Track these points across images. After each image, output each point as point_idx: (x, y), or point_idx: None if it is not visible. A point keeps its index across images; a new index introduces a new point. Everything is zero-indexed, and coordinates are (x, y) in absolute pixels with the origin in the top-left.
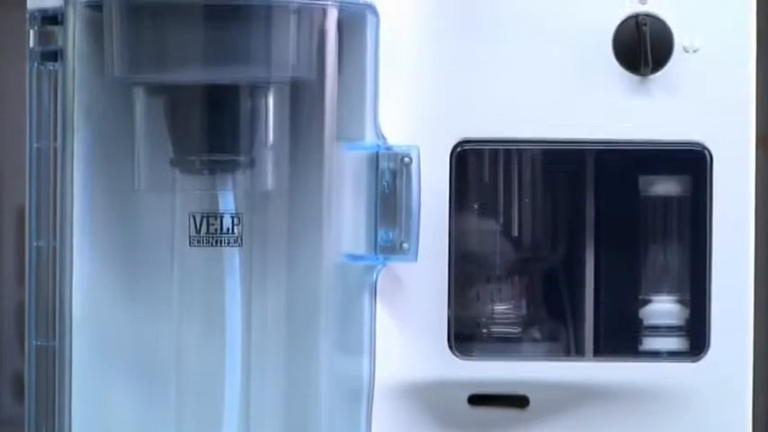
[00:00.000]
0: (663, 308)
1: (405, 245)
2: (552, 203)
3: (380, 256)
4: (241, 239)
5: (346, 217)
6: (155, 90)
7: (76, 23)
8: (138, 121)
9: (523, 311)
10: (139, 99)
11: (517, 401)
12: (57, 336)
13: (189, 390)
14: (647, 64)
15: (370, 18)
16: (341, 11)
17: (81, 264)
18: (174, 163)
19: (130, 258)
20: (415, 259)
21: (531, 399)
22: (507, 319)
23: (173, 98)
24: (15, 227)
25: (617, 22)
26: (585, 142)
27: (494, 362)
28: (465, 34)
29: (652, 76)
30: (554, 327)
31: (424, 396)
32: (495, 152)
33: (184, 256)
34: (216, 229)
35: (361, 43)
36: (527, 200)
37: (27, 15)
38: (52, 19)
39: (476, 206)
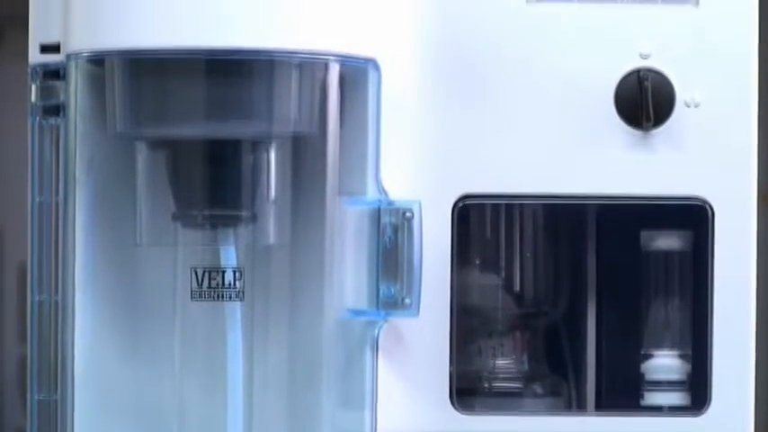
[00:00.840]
0: (664, 362)
1: (406, 300)
2: (554, 258)
3: (382, 311)
4: (243, 294)
5: (348, 272)
6: (156, 145)
7: (78, 78)
8: (139, 176)
9: (525, 366)
10: (141, 154)
11: None
12: (59, 390)
13: None
14: (648, 119)
15: (371, 73)
16: (343, 66)
17: (83, 318)
18: (175, 217)
19: (132, 312)
20: (417, 314)
21: None
22: (509, 373)
23: (174, 153)
24: (17, 283)
25: (619, 77)
26: (587, 197)
27: (495, 417)
28: (466, 89)
29: (654, 131)
30: (556, 381)
31: None
32: (496, 207)
33: (186, 310)
34: (218, 284)
35: (362, 98)
36: (528, 255)
37: (29, 70)
38: (54, 74)
39: (477, 261)
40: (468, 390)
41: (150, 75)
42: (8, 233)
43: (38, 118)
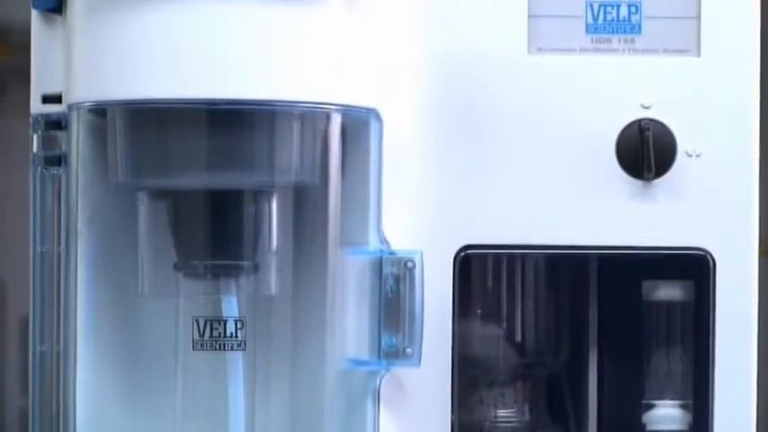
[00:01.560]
0: (666, 413)
1: (408, 350)
2: (555, 308)
3: (384, 361)
4: (245, 344)
5: (350, 322)
6: (158, 195)
7: (80, 129)
8: (141, 226)
9: (527, 417)
10: (143, 204)
11: None
12: None
13: None
14: (649, 169)
15: (373, 123)
16: (344, 116)
17: (84, 368)
18: (177, 267)
19: (134, 363)
20: (419, 364)
21: None
22: (511, 424)
23: (176, 203)
24: (19, 336)
25: (620, 127)
26: (588, 248)
27: None
28: (468, 139)
29: (655, 181)
30: None
31: None
32: (498, 257)
33: (188, 360)
34: (219, 334)
35: (364, 148)
36: (530, 305)
37: (30, 120)
38: (56, 124)
39: (479, 311)
40: None
41: (152, 125)
42: (10, 286)
43: (39, 168)
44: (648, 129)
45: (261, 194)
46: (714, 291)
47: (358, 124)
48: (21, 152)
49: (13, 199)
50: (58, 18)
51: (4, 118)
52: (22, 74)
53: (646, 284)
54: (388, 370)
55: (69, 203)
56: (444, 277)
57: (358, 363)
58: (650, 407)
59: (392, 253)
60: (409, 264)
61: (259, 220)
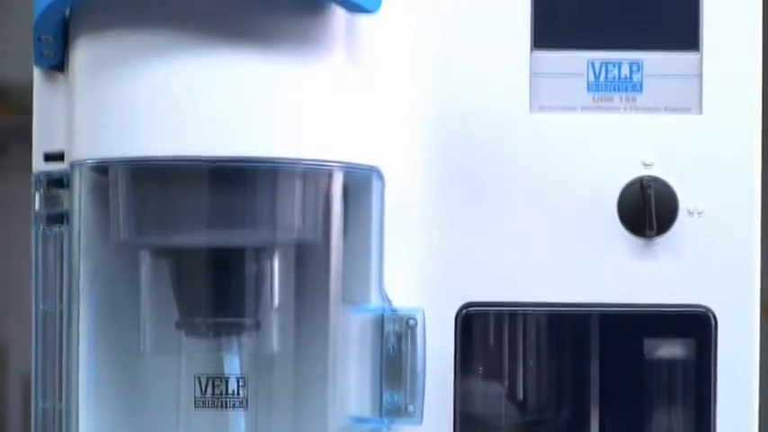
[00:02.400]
0: None
1: (410, 407)
2: (557, 366)
3: (386, 419)
4: (246, 402)
5: (351, 379)
6: (160, 253)
7: (82, 187)
8: (143, 284)
9: None
10: (145, 262)
11: None
12: None
13: None
14: (651, 227)
15: (375, 182)
16: (346, 174)
17: (86, 426)
18: (179, 326)
19: (136, 420)
20: (420, 422)
21: None
22: None
23: (178, 261)
24: (20, 396)
25: (622, 185)
26: (590, 305)
27: None
28: (469, 197)
29: (657, 239)
30: None
31: None
32: (499, 315)
33: (190, 418)
34: (221, 392)
35: (366, 206)
36: (532, 363)
37: (32, 178)
38: (58, 182)
39: (480, 369)
40: None
41: (154, 183)
42: (11, 345)
43: (41, 226)
44: (650, 187)
45: (263, 252)
46: (716, 349)
47: (360, 182)
48: (22, 212)
49: (15, 259)
50: (59, 76)
51: (6, 177)
52: (23, 133)
53: (647, 342)
54: (389, 428)
55: (71, 261)
56: (446, 335)
57: (360, 420)
58: None
59: (394, 310)
60: (411, 321)
61: (261, 277)
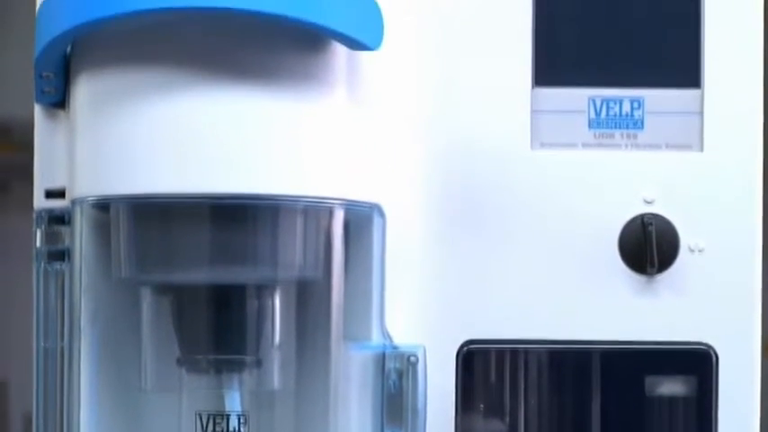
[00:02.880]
0: None
1: None
2: (558, 403)
3: None
4: None
5: (353, 416)
6: (161, 290)
7: (83, 224)
8: (144, 321)
9: None
10: (146, 299)
11: None
12: None
13: None
14: (652, 264)
15: (376, 219)
16: (348, 211)
17: None
18: (180, 362)
19: None
20: None
21: None
22: None
23: (179, 298)
24: None
25: (623, 222)
26: (591, 343)
27: None
28: (470, 234)
29: (658, 276)
30: None
31: None
32: (501, 352)
33: None
34: (222, 429)
35: (367, 243)
36: (533, 400)
37: (34, 215)
38: (59, 219)
39: (482, 406)
40: None
41: (155, 220)
42: (13, 383)
43: (42, 263)
44: (651, 224)
45: (264, 289)
46: (717, 386)
47: (361, 219)
48: (23, 249)
49: (16, 296)
50: (61, 113)
51: (7, 215)
52: (24, 171)
53: (648, 380)
54: None
55: (72, 298)
56: (447, 372)
57: None
58: None
59: (395, 347)
60: (412, 358)
61: (262, 314)
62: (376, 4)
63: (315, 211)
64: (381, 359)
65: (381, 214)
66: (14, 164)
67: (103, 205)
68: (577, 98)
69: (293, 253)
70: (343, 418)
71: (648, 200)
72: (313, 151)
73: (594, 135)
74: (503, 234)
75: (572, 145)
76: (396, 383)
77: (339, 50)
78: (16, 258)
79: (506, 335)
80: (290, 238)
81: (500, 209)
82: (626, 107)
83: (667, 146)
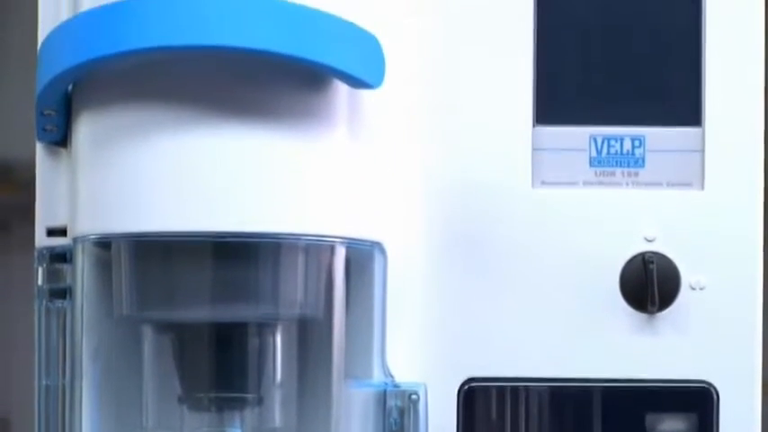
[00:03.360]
0: None
1: None
2: None
3: None
4: None
5: None
6: (163, 328)
7: (85, 261)
8: (146, 359)
9: None
10: (147, 337)
11: None
12: None
13: None
14: (653, 302)
15: (377, 256)
16: (349, 249)
17: None
18: (181, 400)
19: None
20: None
21: None
22: None
23: (181, 336)
24: None
25: (624, 260)
26: (592, 380)
27: None
28: (471, 271)
29: (659, 314)
30: None
31: None
32: (502, 390)
33: None
34: None
35: (368, 281)
36: None
37: (35, 253)
38: (60, 257)
39: None
40: None
41: (156, 258)
42: (15, 421)
43: (44, 301)
44: (652, 262)
45: (265, 327)
46: (717, 424)
47: (362, 257)
48: (24, 289)
49: (17, 336)
50: (62, 151)
51: (8, 255)
52: (25, 211)
53: (649, 417)
54: None
55: (74, 336)
56: (448, 410)
57: None
58: None
59: (396, 386)
60: (413, 396)
61: (263, 352)
62: (377, 42)
63: (316, 249)
64: (382, 397)
65: (383, 252)
66: (15, 204)
67: (105, 243)
68: (578, 136)
69: (294, 291)
70: None
71: (649, 238)
72: (314, 189)
73: (595, 173)
74: (504, 272)
75: (573, 183)
76: (397, 421)
77: (340, 88)
78: (17, 297)
79: (507, 373)
80: (291, 276)
81: (501, 246)
82: (627, 145)
83: (668, 184)
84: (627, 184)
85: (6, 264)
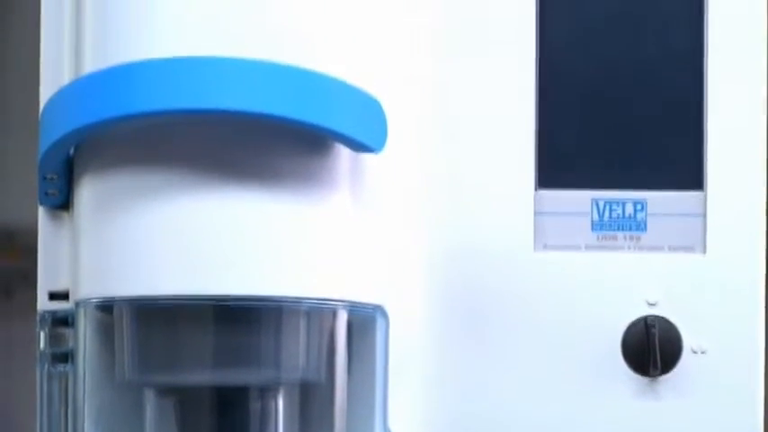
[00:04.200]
0: None
1: None
2: None
3: None
4: None
5: None
6: (165, 392)
7: (87, 325)
8: (148, 423)
9: None
10: (149, 401)
11: None
12: None
13: None
14: (655, 366)
15: (379, 320)
16: (351, 313)
17: None
18: None
19: None
20: None
21: None
22: None
23: (183, 399)
24: None
25: (626, 324)
26: None
27: None
28: (473, 335)
29: (661, 378)
30: None
31: None
32: None
33: None
34: None
35: (370, 345)
36: None
37: (37, 317)
38: (62, 321)
39: None
40: None
41: (159, 321)
42: None
43: (46, 365)
44: (654, 326)
45: (267, 391)
46: None
47: (364, 320)
48: (25, 356)
49: (18, 403)
50: (64, 215)
51: (10, 321)
52: (27, 277)
53: None
54: None
55: (76, 400)
56: None
57: None
58: None
59: None
60: None
61: (265, 416)
62: (379, 105)
63: (318, 313)
64: None
65: (385, 316)
66: (17, 270)
67: (107, 307)
68: (580, 200)
69: (296, 355)
70: None
71: (651, 301)
72: (316, 252)
73: (597, 237)
74: (505, 335)
75: (575, 247)
76: None
77: (342, 152)
78: (19, 364)
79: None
80: (293, 340)
81: (503, 310)
82: (629, 209)
83: (670, 248)
84: (629, 248)
85: (8, 330)
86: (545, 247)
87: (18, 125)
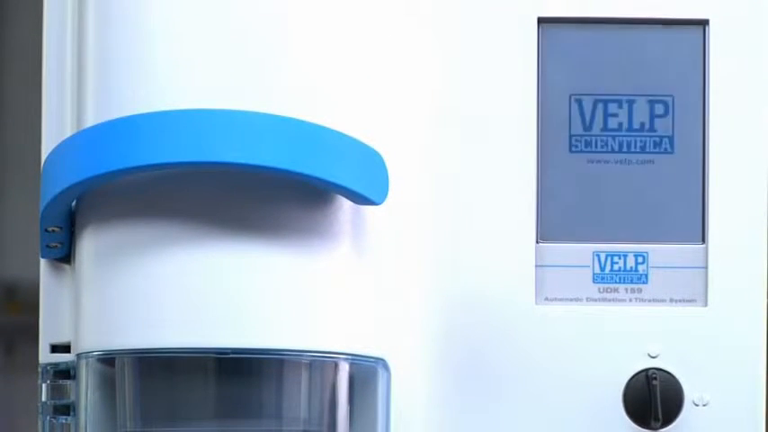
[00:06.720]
0: None
1: None
2: None
3: None
4: None
5: None
6: None
7: (89, 377)
8: None
9: None
10: None
11: None
12: None
13: None
14: (657, 419)
15: (381, 372)
16: (352, 365)
17: None
18: None
19: None
20: None
21: None
22: None
23: None
24: None
25: (627, 376)
26: None
27: None
28: (474, 388)
29: (663, 431)
30: None
31: None
32: None
33: None
34: None
35: (372, 397)
36: None
37: (39, 370)
38: (64, 373)
39: None
40: None
41: (160, 374)
42: None
43: (48, 417)
44: (656, 378)
45: None
46: None
47: (366, 373)
48: (28, 411)
49: None
50: (66, 267)
51: (13, 375)
52: (29, 332)
53: None
54: None
55: None
56: None
57: None
58: None
59: None
60: None
61: None
62: (380, 158)
63: (320, 365)
64: None
65: (386, 368)
66: (19, 325)
67: (108, 359)
68: (581, 253)
69: (298, 407)
70: None
71: (653, 354)
72: (318, 305)
73: (599, 289)
74: (507, 387)
75: (576, 299)
76: None
77: (344, 204)
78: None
79: None
80: (294, 392)
81: (504, 363)
82: (630, 261)
83: (671, 300)
84: (630, 301)
85: (10, 385)
86: (546, 299)
87: (19, 188)
